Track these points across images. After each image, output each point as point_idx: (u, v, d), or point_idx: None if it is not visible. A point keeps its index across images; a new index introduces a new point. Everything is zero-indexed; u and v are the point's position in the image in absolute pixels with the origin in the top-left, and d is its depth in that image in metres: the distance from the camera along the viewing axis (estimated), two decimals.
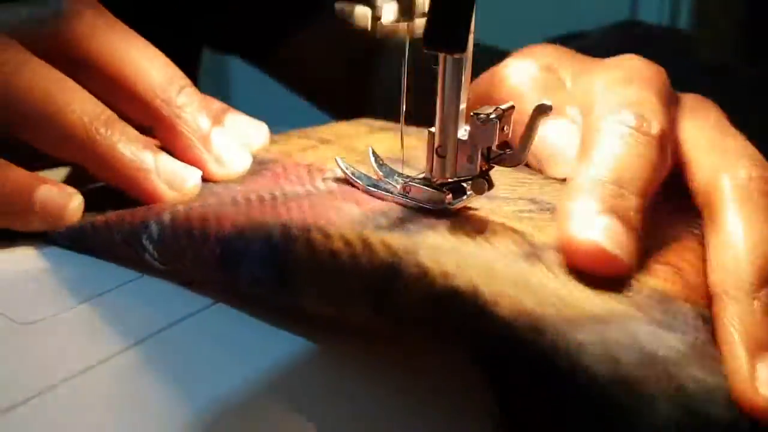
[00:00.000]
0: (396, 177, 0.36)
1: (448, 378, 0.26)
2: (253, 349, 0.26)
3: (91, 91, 0.34)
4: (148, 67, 0.36)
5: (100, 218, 0.33)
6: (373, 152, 0.38)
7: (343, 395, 0.25)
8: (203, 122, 0.37)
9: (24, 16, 0.36)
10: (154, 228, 0.31)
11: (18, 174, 0.33)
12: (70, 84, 0.34)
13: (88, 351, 0.26)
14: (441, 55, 0.32)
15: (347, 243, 0.27)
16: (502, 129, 0.32)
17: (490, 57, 0.43)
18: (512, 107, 0.33)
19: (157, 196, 0.34)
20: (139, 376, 0.25)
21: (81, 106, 0.33)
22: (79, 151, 0.34)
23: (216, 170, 0.37)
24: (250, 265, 0.28)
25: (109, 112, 0.34)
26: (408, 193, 0.34)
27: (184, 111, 0.36)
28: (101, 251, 0.32)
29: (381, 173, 0.37)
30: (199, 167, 0.36)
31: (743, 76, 0.58)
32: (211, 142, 0.37)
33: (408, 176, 0.35)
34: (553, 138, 0.39)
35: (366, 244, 0.27)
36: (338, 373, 0.26)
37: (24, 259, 0.32)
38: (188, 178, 0.35)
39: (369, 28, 0.33)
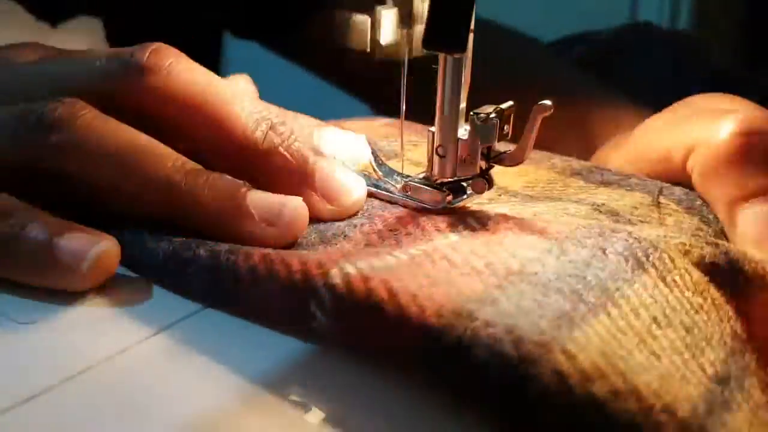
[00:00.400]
0: (396, 177, 0.36)
1: None
2: (250, 351, 0.26)
3: (177, 150, 0.32)
4: (231, 112, 0.33)
5: (241, 265, 0.28)
6: (373, 152, 0.38)
7: (341, 398, 0.25)
8: (299, 157, 0.33)
9: (97, 71, 0.33)
10: (324, 293, 0.26)
11: (40, 221, 0.30)
12: (151, 141, 0.32)
13: (89, 351, 0.26)
14: (441, 55, 0.32)
15: (614, 391, 0.23)
16: (501, 129, 0.32)
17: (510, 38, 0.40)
18: (512, 107, 0.33)
19: (255, 235, 0.31)
20: (139, 375, 0.25)
21: (160, 161, 0.31)
22: (160, 203, 0.31)
23: (323, 207, 0.33)
24: (473, 377, 0.23)
25: (192, 163, 0.32)
26: (408, 192, 0.34)
27: (275, 152, 0.33)
28: (249, 312, 0.28)
29: (381, 173, 0.37)
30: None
31: (747, 82, 0.58)
32: (313, 176, 0.33)
33: (408, 176, 0.35)
34: (755, 223, 0.35)
35: (639, 399, 0.22)
36: (336, 375, 0.26)
37: None
38: (283, 207, 0.31)
39: (368, 48, 0.32)
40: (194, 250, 0.29)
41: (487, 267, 0.27)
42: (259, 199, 0.31)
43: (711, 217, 0.36)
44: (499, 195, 0.36)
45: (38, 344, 0.26)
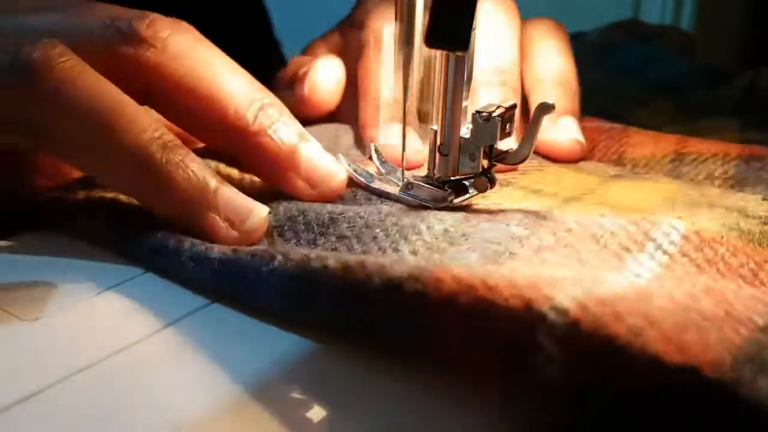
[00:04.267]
0: (398, 174, 0.36)
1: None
2: (252, 348, 0.26)
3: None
4: (224, 92, 0.33)
5: (432, 293, 0.23)
6: (375, 149, 0.38)
7: (343, 395, 0.25)
8: (287, 140, 0.33)
9: (90, 33, 0.32)
10: (555, 319, 0.22)
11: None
12: (132, 105, 0.30)
13: (92, 348, 0.26)
14: (443, 53, 0.32)
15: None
16: (504, 127, 0.32)
17: None
18: (514, 105, 0.33)
19: (215, 231, 0.30)
20: (141, 373, 0.25)
21: (140, 127, 0.30)
22: (130, 177, 0.30)
23: (307, 192, 0.34)
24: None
25: (171, 135, 0.31)
26: (410, 190, 0.34)
27: (263, 134, 0.33)
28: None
29: (383, 170, 0.37)
30: (287, 189, 0.34)
31: (741, 79, 0.58)
32: (299, 161, 0.33)
33: (410, 173, 0.35)
34: None
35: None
36: (338, 373, 0.26)
37: (28, 255, 0.32)
38: (250, 214, 0.31)
39: None
40: (325, 265, 0.25)
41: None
42: (228, 198, 0.31)
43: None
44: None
45: (42, 341, 0.26)
